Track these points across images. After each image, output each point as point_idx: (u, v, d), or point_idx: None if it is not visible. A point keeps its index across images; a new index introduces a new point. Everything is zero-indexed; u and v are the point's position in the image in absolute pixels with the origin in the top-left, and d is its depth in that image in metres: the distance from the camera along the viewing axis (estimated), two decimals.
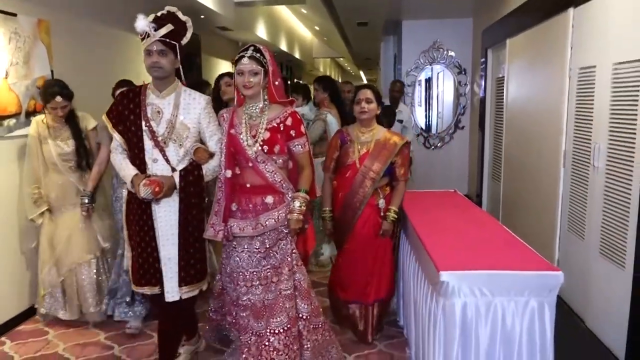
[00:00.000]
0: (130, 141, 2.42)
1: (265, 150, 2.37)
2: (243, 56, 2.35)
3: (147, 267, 2.44)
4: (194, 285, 2.48)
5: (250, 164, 2.39)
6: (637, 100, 2.63)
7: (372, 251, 2.88)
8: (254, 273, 2.41)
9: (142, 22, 2.30)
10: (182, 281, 2.45)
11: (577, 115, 3.41)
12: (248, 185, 2.42)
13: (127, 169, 2.42)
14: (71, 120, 3.22)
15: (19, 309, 3.41)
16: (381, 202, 2.87)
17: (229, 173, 2.42)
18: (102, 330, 3.28)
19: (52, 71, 3.62)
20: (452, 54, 7.08)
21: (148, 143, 2.39)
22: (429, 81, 7.44)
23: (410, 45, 7.20)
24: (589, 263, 3.17)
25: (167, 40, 2.30)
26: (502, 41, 5.25)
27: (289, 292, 2.40)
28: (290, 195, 2.43)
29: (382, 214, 2.86)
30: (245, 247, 2.42)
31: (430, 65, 7.25)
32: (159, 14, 2.36)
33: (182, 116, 2.41)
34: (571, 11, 3.48)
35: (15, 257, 3.37)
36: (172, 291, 2.45)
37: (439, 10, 6.31)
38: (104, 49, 4.39)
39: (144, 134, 2.39)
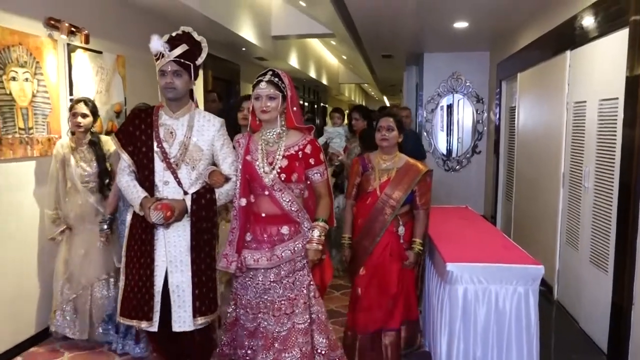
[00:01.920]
0: (140, 162, 2.34)
1: (283, 179, 2.29)
2: (261, 80, 2.29)
3: (139, 298, 2.31)
4: (208, 315, 2.37)
5: (267, 192, 2.31)
6: (615, 131, 3.16)
7: (390, 278, 2.78)
8: (268, 304, 2.33)
9: (156, 42, 2.27)
10: (197, 311, 2.32)
11: (573, 142, 3.93)
12: (263, 215, 2.33)
13: (135, 192, 2.33)
14: (94, 143, 3.25)
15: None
16: (401, 230, 2.80)
17: (243, 201, 2.35)
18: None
19: (125, 98, 4.32)
20: (470, 84, 7.65)
21: (159, 165, 2.33)
22: (450, 107, 8.01)
23: (431, 75, 7.80)
24: (581, 270, 3.66)
25: (182, 60, 2.26)
26: (514, 74, 5.81)
27: (303, 326, 2.30)
28: (306, 226, 2.35)
29: (401, 240, 2.80)
30: (260, 278, 2.33)
31: (451, 94, 7.83)
32: (173, 34, 2.33)
33: (196, 138, 2.35)
34: (568, 53, 4.04)
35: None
36: (180, 321, 2.32)
37: (458, 44, 6.89)
38: None
39: (155, 155, 2.32)
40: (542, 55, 4.71)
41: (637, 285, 2.90)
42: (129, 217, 2.43)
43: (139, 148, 2.34)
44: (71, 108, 3.28)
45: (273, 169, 2.30)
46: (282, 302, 2.31)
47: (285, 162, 2.30)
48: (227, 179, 2.38)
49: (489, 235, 3.25)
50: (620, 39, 3.11)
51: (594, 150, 3.48)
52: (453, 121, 8.03)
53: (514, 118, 5.84)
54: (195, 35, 2.36)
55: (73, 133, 3.28)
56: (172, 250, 2.34)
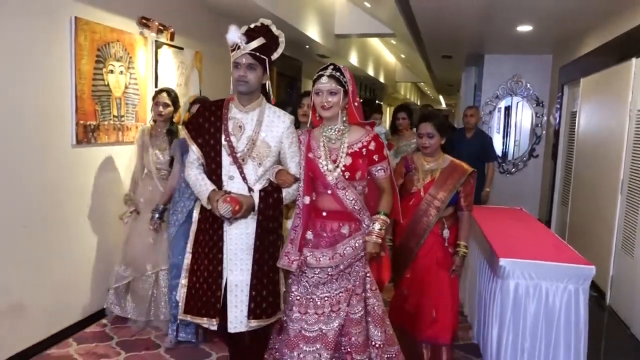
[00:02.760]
0: (207, 155, 2.30)
1: (347, 177, 2.24)
2: (322, 75, 2.24)
3: (209, 295, 2.26)
4: (263, 320, 2.26)
5: (329, 191, 2.26)
6: None
7: (435, 283, 2.72)
8: (326, 299, 2.26)
9: (234, 33, 2.21)
10: (251, 313, 2.24)
11: (634, 151, 3.94)
12: (324, 213, 2.30)
13: (203, 185, 2.27)
14: (172, 132, 3.37)
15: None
16: (445, 232, 2.75)
17: (307, 199, 2.31)
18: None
19: (200, 91, 4.67)
20: (531, 87, 7.59)
21: (226, 159, 2.27)
22: (508, 109, 7.98)
23: (490, 76, 7.79)
24: (636, 277, 3.69)
25: (257, 54, 2.20)
26: (577, 79, 5.77)
27: (356, 316, 2.26)
28: (366, 223, 2.30)
29: (445, 244, 2.75)
30: (317, 272, 2.28)
31: (510, 96, 7.80)
32: (252, 25, 2.25)
33: (265, 133, 2.29)
34: (634, 60, 4.04)
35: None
36: (236, 321, 2.26)
37: (520, 47, 6.87)
38: None
39: (223, 148, 2.27)
40: (607, 62, 4.69)
41: None
42: (196, 213, 2.37)
43: (207, 141, 2.29)
44: (154, 97, 3.41)
45: (337, 167, 2.25)
46: (340, 294, 2.25)
47: (349, 160, 2.25)
48: (296, 179, 2.31)
49: (542, 235, 3.36)
50: None
51: None
52: (510, 124, 8.00)
53: (575, 123, 5.81)
54: (274, 28, 2.27)
55: (154, 121, 3.42)
56: (233, 248, 2.28)
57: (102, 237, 3.53)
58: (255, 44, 2.20)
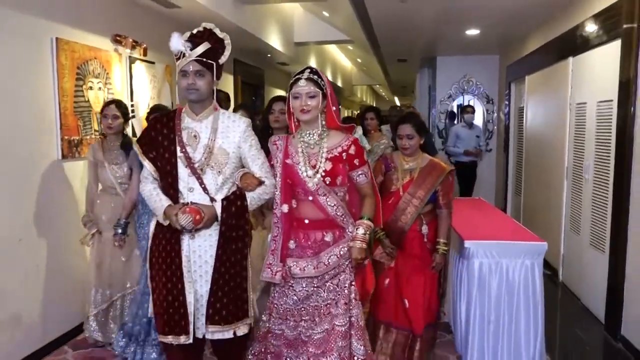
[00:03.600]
0: (163, 169, 2.22)
1: (328, 182, 2.19)
2: (299, 78, 2.18)
3: (171, 313, 2.20)
4: (221, 326, 2.23)
5: (310, 198, 2.20)
6: (610, 129, 3.61)
7: (413, 277, 2.82)
8: (315, 308, 2.25)
9: (177, 41, 2.14)
10: (209, 319, 2.20)
11: (575, 140, 4.39)
12: (306, 221, 2.23)
13: (158, 200, 2.21)
14: (125, 144, 3.23)
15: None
16: (424, 229, 2.82)
17: (285, 208, 2.23)
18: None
19: (172, 103, 4.83)
20: (481, 85, 8.10)
21: (183, 170, 2.20)
22: (460, 107, 8.46)
23: (443, 77, 8.25)
24: (583, 253, 4.12)
25: (204, 59, 2.13)
26: (522, 77, 6.26)
27: (343, 329, 2.19)
28: (350, 230, 2.25)
29: (425, 239, 2.83)
30: (303, 284, 2.24)
31: (462, 95, 8.29)
32: (194, 31, 2.21)
33: (221, 140, 2.22)
34: (570, 59, 4.50)
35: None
36: (202, 328, 2.24)
37: (469, 48, 7.34)
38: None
39: (179, 160, 2.20)
40: (548, 60, 5.16)
41: (629, 263, 3.35)
42: (151, 227, 2.30)
43: (162, 154, 2.22)
44: (102, 110, 3.24)
45: (317, 172, 2.19)
46: (328, 304, 2.22)
47: (329, 165, 2.19)
48: (260, 182, 2.25)
49: (500, 220, 3.73)
50: (615, 47, 3.56)
51: (593, 147, 3.94)
52: (464, 120, 8.47)
53: (522, 118, 6.29)
54: (217, 32, 2.22)
55: (104, 135, 3.28)
56: (197, 261, 2.23)
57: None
58: (200, 49, 2.14)
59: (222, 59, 2.24)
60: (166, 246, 2.22)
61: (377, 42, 6.75)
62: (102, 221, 3.18)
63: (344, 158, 2.23)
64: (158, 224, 2.26)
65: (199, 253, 2.23)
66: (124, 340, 2.95)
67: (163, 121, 2.28)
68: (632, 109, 3.29)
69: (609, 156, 3.65)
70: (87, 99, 3.58)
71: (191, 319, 2.22)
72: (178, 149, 2.20)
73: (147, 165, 2.25)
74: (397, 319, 2.87)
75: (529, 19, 5.29)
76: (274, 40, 6.70)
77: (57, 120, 3.30)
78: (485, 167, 8.14)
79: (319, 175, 2.19)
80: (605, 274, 3.63)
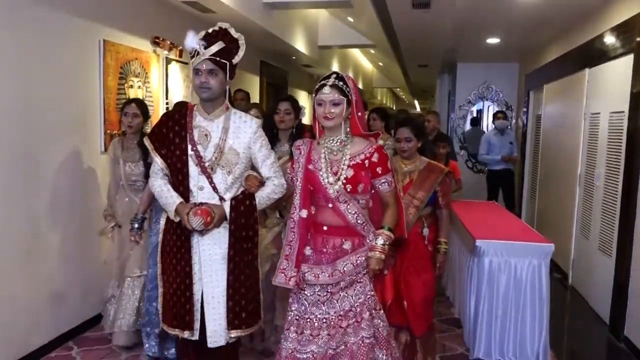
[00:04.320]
0: (173, 166, 2.24)
1: (349, 190, 2.15)
2: (324, 84, 2.14)
3: (179, 307, 2.24)
4: (243, 329, 2.26)
5: (330, 205, 2.16)
6: (621, 139, 3.77)
7: (413, 279, 2.80)
8: (324, 321, 2.16)
9: (191, 39, 2.16)
10: (230, 324, 2.22)
11: (588, 148, 4.54)
12: (325, 228, 2.20)
13: (169, 197, 2.23)
14: (143, 143, 2.98)
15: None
16: (425, 231, 2.85)
17: (304, 213, 2.18)
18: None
19: None
20: (500, 92, 8.24)
21: (194, 169, 2.22)
22: (480, 112, 8.63)
23: (463, 83, 8.43)
24: (592, 257, 4.28)
25: (218, 59, 2.15)
26: (541, 86, 6.41)
27: (369, 341, 2.15)
28: (371, 239, 2.19)
29: (425, 241, 2.86)
30: (317, 289, 2.18)
31: (482, 101, 8.44)
32: (210, 30, 2.23)
33: (232, 140, 2.24)
34: (587, 70, 4.65)
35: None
36: (215, 335, 2.24)
37: (490, 56, 7.50)
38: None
39: (190, 158, 2.21)
40: (565, 71, 5.31)
41: (633, 267, 3.51)
42: (162, 222, 2.33)
43: (173, 151, 2.23)
44: (123, 108, 3.26)
45: (338, 179, 2.15)
46: (340, 317, 2.16)
47: (351, 172, 2.16)
48: (262, 183, 2.29)
49: (511, 222, 3.92)
50: (629, 60, 3.71)
51: (605, 155, 4.10)
52: (483, 126, 8.65)
53: (540, 125, 6.43)
54: (232, 32, 2.24)
55: (124, 133, 3.33)
56: (207, 259, 2.25)
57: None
58: (214, 48, 2.16)
59: (236, 59, 2.24)
60: (177, 241, 2.25)
61: (398, 47, 6.96)
62: (119, 216, 3.24)
63: (367, 165, 2.19)
64: (168, 219, 2.28)
65: (209, 251, 2.26)
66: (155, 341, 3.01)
67: (175, 118, 2.29)
68: None
69: (619, 165, 3.81)
70: (128, 97, 3.86)
71: (197, 316, 2.24)
72: (189, 147, 2.21)
73: (159, 160, 2.27)
74: (396, 320, 2.79)
75: (547, 30, 5.44)
76: (299, 43, 6.95)
77: (101, 115, 3.58)
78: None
79: (340, 183, 2.15)
80: (611, 277, 3.79)
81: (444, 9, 4.56)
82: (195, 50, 2.17)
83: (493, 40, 6.28)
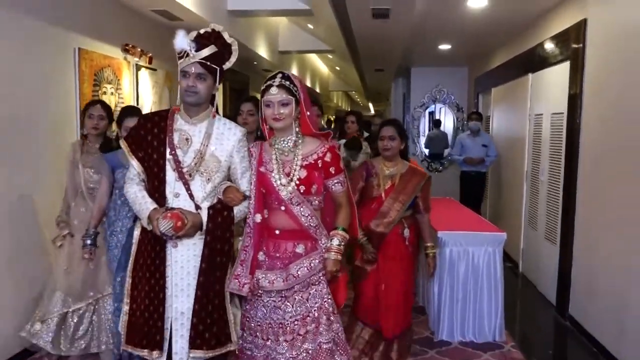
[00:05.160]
0: (150, 170, 2.12)
1: (302, 191, 2.09)
2: (271, 85, 2.06)
3: (150, 325, 2.08)
4: (204, 351, 2.08)
5: (283, 207, 2.10)
6: (561, 137, 4.20)
7: (394, 280, 2.86)
8: (280, 326, 2.11)
9: (182, 40, 2.04)
10: (192, 343, 2.07)
11: (533, 147, 4.98)
12: (277, 232, 2.14)
13: (143, 203, 2.09)
14: (105, 145, 3.05)
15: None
16: (406, 232, 2.89)
17: (258, 217, 2.14)
18: None
19: (170, 107, 5.20)
20: (452, 95, 8.72)
21: (171, 174, 2.10)
22: (432, 115, 9.09)
23: (417, 87, 8.85)
24: (538, 246, 4.71)
25: (208, 63, 2.04)
26: (489, 89, 6.88)
27: (328, 346, 2.08)
28: (323, 242, 2.14)
29: (406, 242, 2.90)
30: (272, 295, 2.13)
31: (434, 103, 8.90)
32: (202, 31, 2.11)
33: (214, 146, 2.13)
34: (530, 75, 5.09)
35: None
36: (182, 352, 2.09)
37: (442, 60, 7.94)
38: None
39: (167, 163, 2.10)
40: (511, 75, 5.77)
41: (575, 253, 3.92)
42: (136, 232, 2.19)
43: (150, 155, 2.11)
44: (87, 109, 3.07)
45: (291, 180, 2.09)
46: (296, 322, 2.09)
47: (304, 173, 2.10)
48: (244, 197, 2.17)
49: (467, 215, 4.28)
50: (566, 66, 4.13)
51: (548, 152, 4.53)
52: (440, 127, 9.11)
53: (489, 125, 6.89)
54: (226, 35, 2.13)
55: (85, 136, 3.10)
56: (180, 272, 2.12)
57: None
58: (206, 52, 2.05)
59: (227, 65, 2.14)
60: (151, 253, 2.11)
61: (357, 53, 7.27)
62: (75, 225, 3.01)
63: (320, 166, 2.13)
64: (144, 229, 2.14)
65: (181, 264, 2.12)
66: None
67: (154, 120, 2.16)
68: (578, 120, 3.87)
69: (560, 161, 4.23)
70: None
71: (167, 335, 2.10)
72: (167, 150, 2.10)
73: (135, 164, 2.14)
74: (374, 319, 2.92)
75: (494, 38, 5.89)
76: (261, 49, 7.15)
77: (78, 121, 3.67)
78: (453, 171, 8.76)
79: (293, 184, 2.09)
80: (556, 263, 4.20)
81: (401, 19, 4.88)
82: (184, 51, 2.05)
83: (445, 46, 6.69)
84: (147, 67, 4.69)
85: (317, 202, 2.17)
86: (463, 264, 3.55)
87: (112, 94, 4.10)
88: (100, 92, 3.93)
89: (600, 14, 3.60)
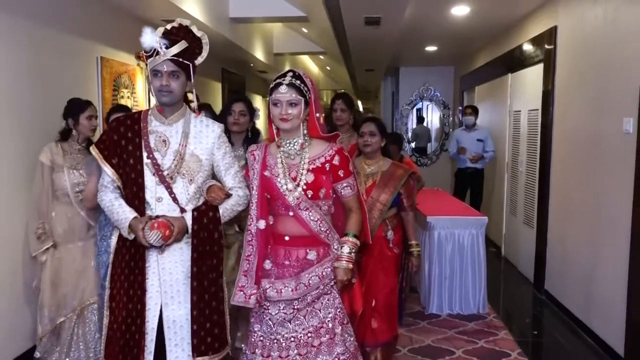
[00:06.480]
0: (127, 177, 2.02)
1: (310, 196, 1.99)
2: (280, 83, 1.95)
3: (127, 338, 1.99)
4: (210, 356, 2.02)
5: (291, 213, 2.00)
6: (537, 132, 4.66)
7: (378, 285, 2.75)
8: (292, 340, 2.00)
9: (150, 37, 1.94)
10: (196, 350, 1.99)
11: (513, 140, 5.44)
12: (287, 238, 2.03)
13: (121, 212, 1.99)
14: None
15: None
16: (390, 234, 2.78)
17: (262, 224, 2.04)
18: None
19: None
20: (438, 93, 9.19)
21: (150, 179, 2.00)
22: (420, 111, 9.57)
23: (405, 85, 9.31)
24: (518, 230, 5.17)
25: (180, 59, 1.95)
26: (473, 87, 7.34)
27: (345, 356, 2.00)
28: (336, 247, 2.04)
29: (390, 244, 2.79)
30: (281, 307, 2.01)
31: (421, 100, 9.37)
32: (169, 26, 2.02)
33: (193, 146, 2.04)
34: (509, 75, 5.56)
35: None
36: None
37: (429, 60, 8.39)
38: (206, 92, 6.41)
39: (145, 167, 2.00)
40: (493, 75, 6.23)
41: (549, 235, 4.38)
42: (113, 240, 2.08)
43: (126, 160, 2.01)
44: (82, 110, 2.94)
45: (298, 185, 1.99)
46: (309, 334, 1.99)
47: (311, 177, 2.00)
48: (227, 195, 2.07)
49: (453, 203, 4.75)
50: (540, 67, 4.59)
51: (525, 146, 5.00)
52: (424, 123, 9.59)
53: None
54: (194, 29, 2.05)
55: (65, 139, 2.94)
56: (168, 279, 2.02)
57: None
58: (176, 48, 1.96)
59: (199, 60, 2.06)
60: (130, 262, 2.02)
61: (349, 55, 7.70)
62: (59, 234, 2.85)
63: (328, 169, 2.03)
64: (121, 237, 2.04)
65: (170, 270, 2.03)
66: None
67: (127, 123, 2.06)
68: (550, 116, 4.33)
69: (536, 153, 4.69)
70: None
71: (151, 347, 2.00)
72: (144, 154, 2.01)
73: (109, 171, 2.03)
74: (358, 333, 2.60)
75: (477, 40, 6.34)
76: (258, 52, 7.54)
77: (100, 125, 4.04)
78: (442, 164, 9.24)
79: (300, 189, 1.99)
80: (533, 245, 4.67)
81: (391, 25, 5.31)
82: (154, 50, 1.96)
83: (431, 48, 7.14)
84: None
85: (326, 206, 2.07)
86: (450, 245, 4.00)
87: (128, 97, 4.48)
88: (119, 96, 4.31)
89: (569, 21, 4.06)
